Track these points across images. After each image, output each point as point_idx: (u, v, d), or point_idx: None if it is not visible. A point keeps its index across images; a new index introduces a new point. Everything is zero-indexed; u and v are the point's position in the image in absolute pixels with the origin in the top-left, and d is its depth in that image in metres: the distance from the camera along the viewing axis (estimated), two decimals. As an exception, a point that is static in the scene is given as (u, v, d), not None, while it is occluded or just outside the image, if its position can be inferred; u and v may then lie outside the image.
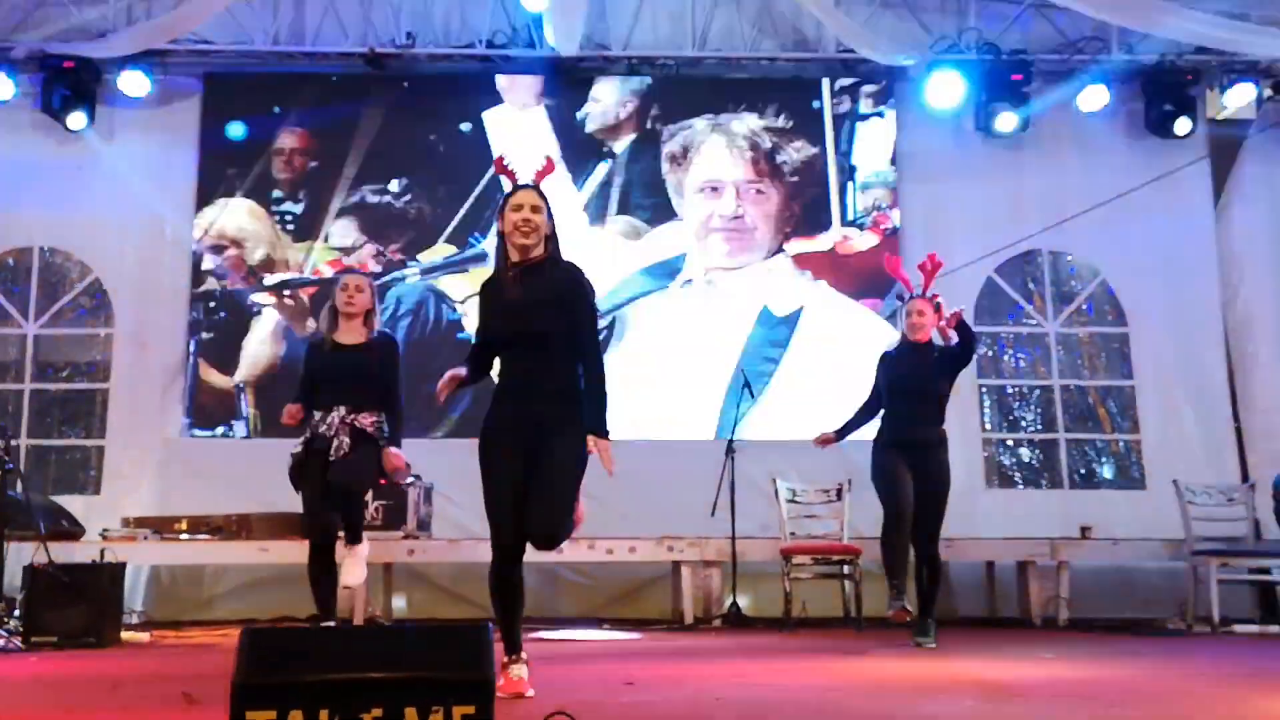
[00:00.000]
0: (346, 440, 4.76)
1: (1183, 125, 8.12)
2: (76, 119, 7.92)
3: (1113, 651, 5.32)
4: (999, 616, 7.34)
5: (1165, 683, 4.17)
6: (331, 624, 4.83)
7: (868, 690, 3.90)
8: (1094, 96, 8.18)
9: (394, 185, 8.25)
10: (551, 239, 3.78)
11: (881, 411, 5.67)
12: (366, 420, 4.81)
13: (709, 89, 8.43)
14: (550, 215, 3.77)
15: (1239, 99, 8.25)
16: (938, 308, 5.54)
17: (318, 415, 4.84)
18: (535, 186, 3.80)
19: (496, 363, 3.84)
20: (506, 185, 3.87)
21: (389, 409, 4.91)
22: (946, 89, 8.14)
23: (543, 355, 3.68)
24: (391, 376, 4.92)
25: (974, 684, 4.03)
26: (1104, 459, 8.30)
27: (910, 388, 5.49)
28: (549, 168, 3.88)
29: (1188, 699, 3.69)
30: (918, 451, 5.46)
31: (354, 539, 4.90)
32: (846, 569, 6.67)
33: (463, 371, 3.77)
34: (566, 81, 8.33)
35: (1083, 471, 8.21)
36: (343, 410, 4.80)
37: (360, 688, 2.31)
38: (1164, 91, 8.20)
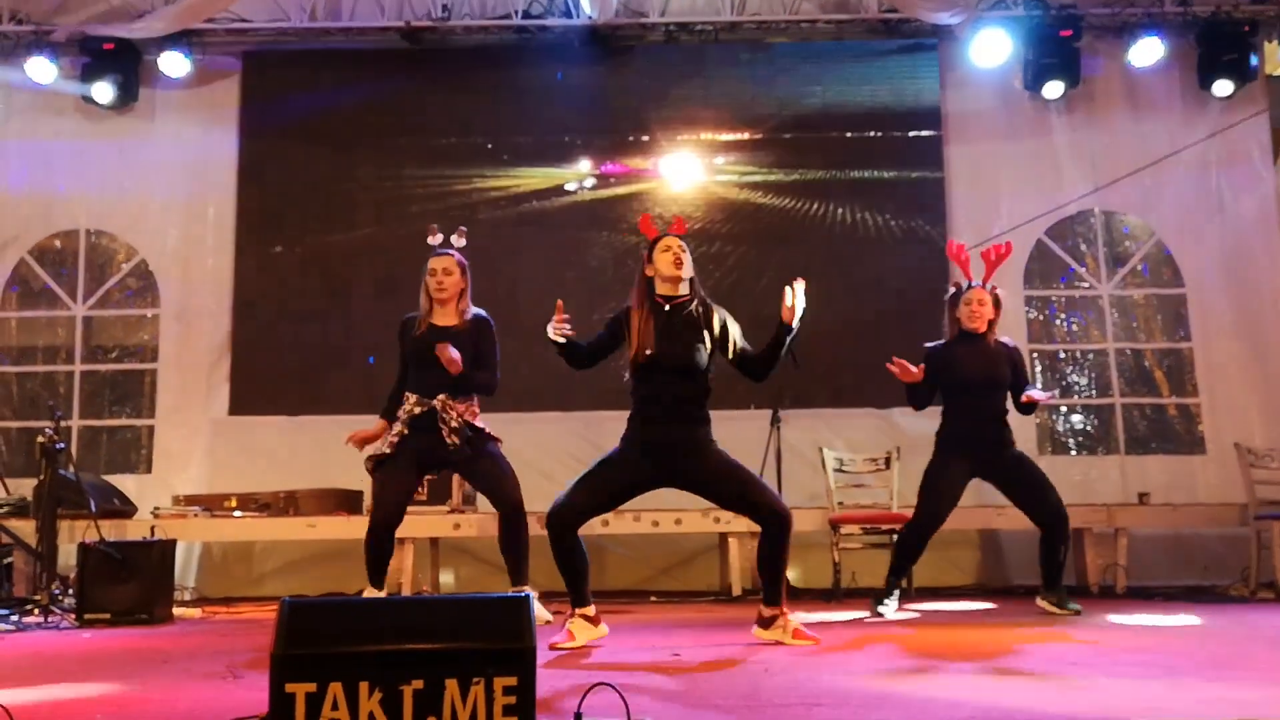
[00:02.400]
0: (456, 440, 4.77)
1: (1222, 88, 7.88)
2: (116, 100, 7.98)
3: (1174, 619, 5.19)
4: (1054, 585, 7.18)
5: (1230, 649, 4.05)
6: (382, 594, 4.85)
7: (919, 660, 3.81)
8: (1147, 51, 7.94)
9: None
10: (693, 281, 4.35)
11: (943, 409, 5.47)
12: (461, 408, 4.80)
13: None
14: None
15: (1299, 50, 7.98)
16: (997, 301, 5.40)
17: (411, 400, 4.81)
18: (675, 235, 4.39)
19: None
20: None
21: (484, 381, 4.91)
22: (993, 47, 7.94)
23: (683, 384, 4.22)
24: (487, 359, 4.89)
25: (1031, 654, 3.93)
26: (1161, 423, 8.10)
27: (975, 380, 5.30)
28: (680, 225, 4.53)
29: (1254, 665, 3.57)
30: (989, 449, 5.32)
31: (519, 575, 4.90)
32: (896, 538, 6.56)
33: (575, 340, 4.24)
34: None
35: (1139, 436, 8.02)
36: (440, 402, 4.77)
37: (400, 659, 2.27)
38: (1220, 44, 7.94)
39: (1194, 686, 3.09)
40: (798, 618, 4.29)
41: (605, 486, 4.28)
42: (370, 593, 4.87)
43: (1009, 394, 5.39)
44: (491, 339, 4.92)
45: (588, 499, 4.27)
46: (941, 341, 5.52)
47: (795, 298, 4.21)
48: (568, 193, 8.14)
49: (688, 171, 8.17)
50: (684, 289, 4.33)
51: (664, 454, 4.26)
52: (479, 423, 4.88)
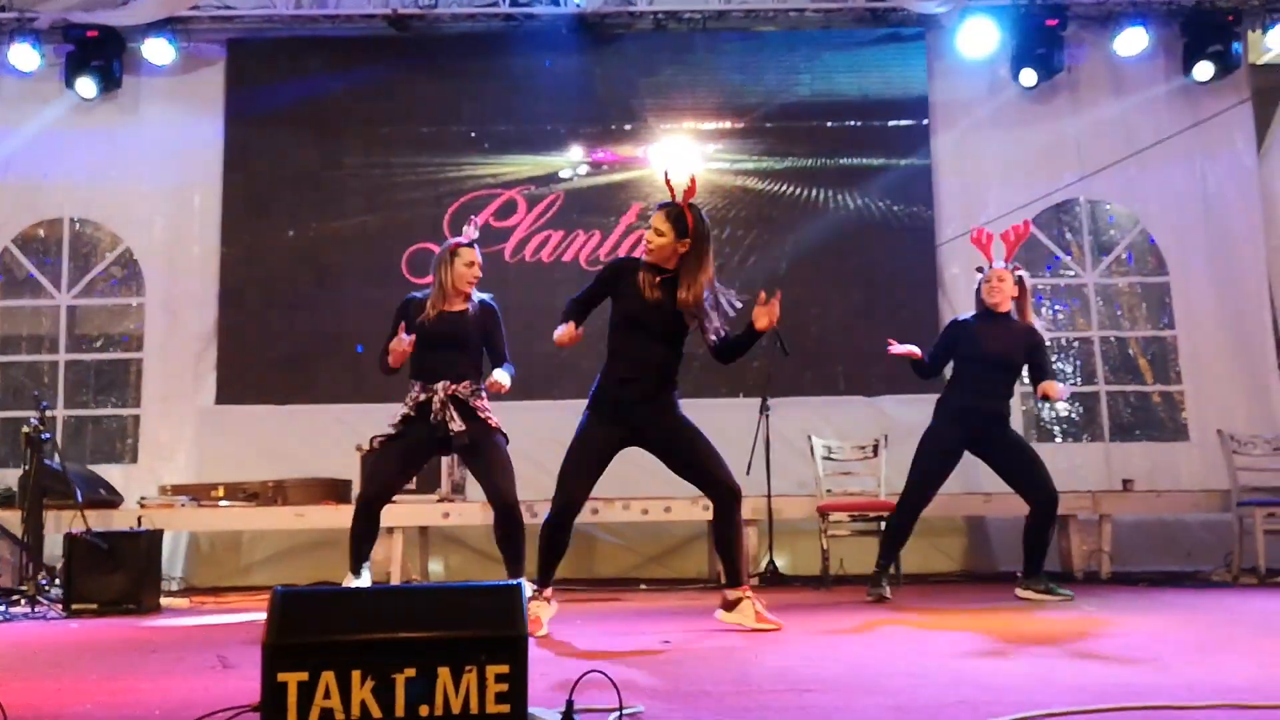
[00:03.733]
0: (456, 416, 4.74)
1: (1203, 71, 7.92)
2: (100, 88, 7.94)
3: (1158, 604, 5.25)
4: (1039, 571, 7.24)
5: (1215, 634, 4.09)
6: (361, 580, 4.84)
7: (910, 647, 3.84)
8: (1132, 40, 7.97)
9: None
10: (683, 257, 4.26)
11: (949, 378, 5.58)
12: (466, 389, 4.78)
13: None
14: (683, 235, 4.25)
15: (1282, 39, 8.00)
16: (1019, 281, 5.46)
17: (417, 388, 4.81)
18: (667, 204, 4.34)
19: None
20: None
21: (499, 366, 4.88)
22: (980, 36, 7.96)
23: (662, 348, 4.31)
24: (497, 339, 4.89)
25: (1018, 638, 3.96)
26: (1145, 411, 8.16)
27: (989, 357, 5.38)
28: (691, 190, 4.36)
29: (1240, 650, 3.61)
30: (987, 422, 5.39)
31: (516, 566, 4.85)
32: (884, 525, 6.60)
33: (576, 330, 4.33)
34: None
35: (1124, 424, 8.08)
36: (442, 386, 4.76)
37: (393, 648, 2.28)
38: (1204, 33, 7.97)
39: (1181, 672, 3.13)
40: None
41: (584, 470, 4.36)
42: (350, 583, 4.84)
43: (1019, 378, 5.49)
44: (500, 322, 4.96)
45: (577, 492, 4.36)
46: (969, 315, 5.64)
47: (772, 311, 4.24)
48: (558, 180, 8.12)
49: (677, 159, 8.15)
50: (670, 265, 4.31)
51: (631, 408, 4.33)
52: (483, 413, 4.86)
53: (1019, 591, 5.45)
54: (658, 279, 4.29)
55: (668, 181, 4.49)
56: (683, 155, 8.15)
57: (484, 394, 4.87)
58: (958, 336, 5.55)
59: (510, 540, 4.83)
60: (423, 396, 4.79)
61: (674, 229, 4.26)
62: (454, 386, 4.77)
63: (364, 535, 4.83)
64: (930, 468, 5.46)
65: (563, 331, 4.31)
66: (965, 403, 5.45)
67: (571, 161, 8.15)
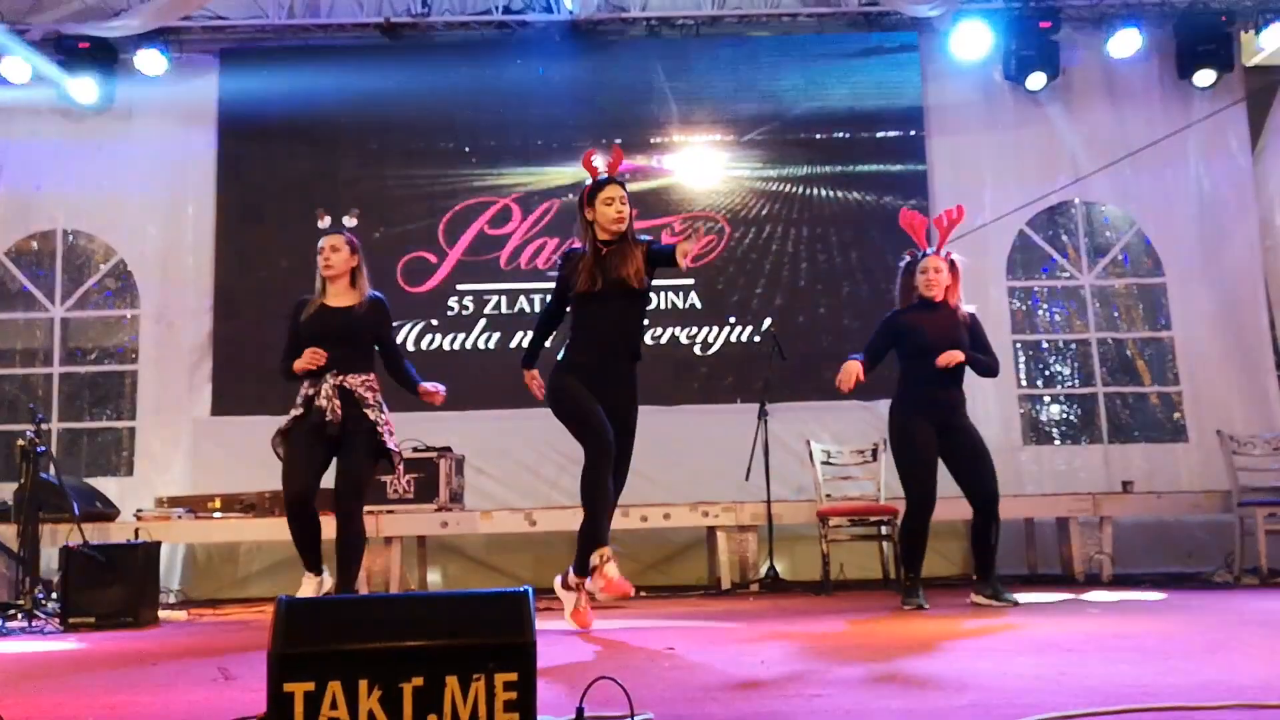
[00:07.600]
0: (338, 403, 4.73)
1: (1204, 78, 7.95)
2: (94, 96, 7.91)
3: (1163, 605, 5.23)
4: (1040, 574, 7.24)
5: (1222, 634, 4.07)
6: (323, 578, 4.82)
7: (916, 650, 3.81)
8: (1125, 42, 8.00)
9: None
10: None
11: (900, 376, 5.40)
12: (356, 381, 4.77)
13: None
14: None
15: (1275, 40, 8.01)
16: (953, 265, 5.35)
17: (306, 383, 4.79)
18: (621, 180, 4.64)
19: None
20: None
21: (392, 363, 4.92)
22: (973, 39, 7.98)
23: (629, 312, 4.61)
24: (385, 335, 4.92)
25: (1025, 640, 3.95)
26: (1144, 412, 8.16)
27: (937, 346, 5.22)
28: (619, 157, 4.73)
29: (1247, 650, 3.59)
30: (947, 412, 5.26)
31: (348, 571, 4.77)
32: (884, 529, 6.59)
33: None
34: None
35: (1122, 426, 8.08)
36: (331, 377, 4.75)
37: (400, 656, 2.25)
38: (1198, 35, 8.00)
39: (1190, 671, 3.11)
40: (613, 571, 4.46)
41: (596, 410, 4.50)
42: (309, 582, 4.80)
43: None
44: (387, 320, 4.95)
45: (604, 432, 4.48)
46: (898, 309, 5.46)
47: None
48: (553, 187, 8.09)
49: (671, 165, 8.17)
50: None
51: (608, 368, 4.58)
52: (384, 417, 4.82)
53: (972, 597, 5.34)
54: (604, 251, 4.56)
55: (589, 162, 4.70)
56: (675, 161, 8.16)
57: (375, 385, 4.84)
58: (899, 332, 5.36)
59: (341, 546, 4.75)
60: (310, 391, 4.81)
61: (628, 204, 4.63)
62: (341, 377, 4.77)
63: (303, 536, 4.84)
64: (921, 459, 5.25)
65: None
66: (924, 395, 5.27)
67: (564, 170, 8.09)
